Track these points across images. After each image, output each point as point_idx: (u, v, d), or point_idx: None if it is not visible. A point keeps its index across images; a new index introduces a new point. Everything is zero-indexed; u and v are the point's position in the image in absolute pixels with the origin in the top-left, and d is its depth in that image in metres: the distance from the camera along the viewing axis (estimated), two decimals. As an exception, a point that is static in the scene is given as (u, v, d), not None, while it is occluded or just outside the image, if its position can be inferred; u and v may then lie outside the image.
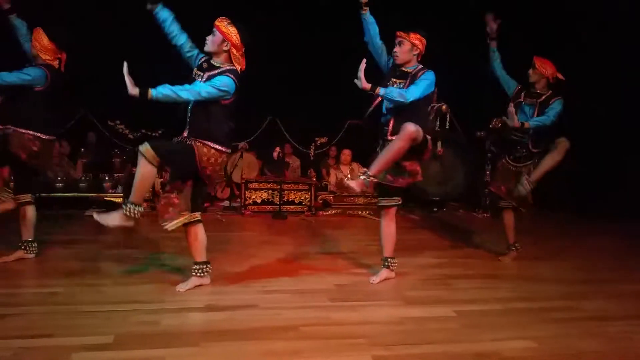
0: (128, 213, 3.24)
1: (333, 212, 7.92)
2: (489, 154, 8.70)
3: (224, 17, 3.49)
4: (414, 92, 3.67)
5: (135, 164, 8.13)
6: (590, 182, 7.81)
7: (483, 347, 2.74)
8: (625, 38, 7.22)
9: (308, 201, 7.88)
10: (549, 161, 4.56)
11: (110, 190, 7.39)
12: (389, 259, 4.03)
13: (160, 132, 9.54)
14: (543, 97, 4.60)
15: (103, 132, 9.23)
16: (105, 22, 7.95)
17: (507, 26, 4.83)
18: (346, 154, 8.57)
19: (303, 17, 8.96)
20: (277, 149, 8.86)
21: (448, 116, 8.43)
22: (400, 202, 4.08)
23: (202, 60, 3.59)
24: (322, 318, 3.10)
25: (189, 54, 3.63)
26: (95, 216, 3.31)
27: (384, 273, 4.01)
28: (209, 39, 3.48)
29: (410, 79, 3.84)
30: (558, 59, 4.70)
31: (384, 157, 3.62)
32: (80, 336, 2.67)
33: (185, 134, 3.51)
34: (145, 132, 9.45)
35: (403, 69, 3.91)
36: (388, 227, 4.03)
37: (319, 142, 10.25)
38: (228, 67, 3.49)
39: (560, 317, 3.25)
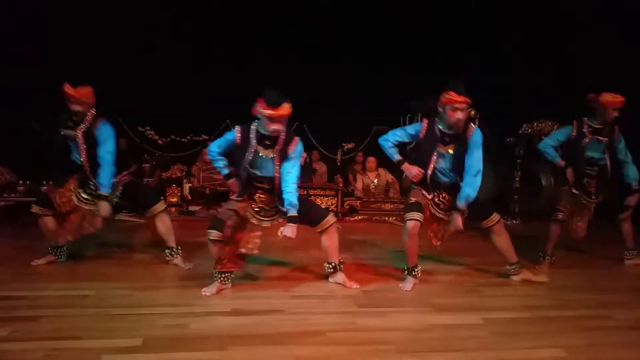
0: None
1: (360, 217, 7.90)
2: (519, 160, 8.59)
3: (283, 105, 3.51)
4: (479, 166, 3.80)
5: (164, 169, 8.28)
6: (625, 187, 7.62)
7: (512, 356, 2.69)
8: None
9: (335, 207, 7.88)
10: None
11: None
12: (414, 268, 4.02)
13: (188, 137, 9.70)
14: (607, 131, 4.65)
15: (133, 138, 9.41)
16: (134, 31, 8.11)
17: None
18: (371, 161, 8.55)
19: (329, 24, 9.01)
20: (304, 154, 8.89)
21: (477, 121, 8.33)
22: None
23: (255, 135, 3.67)
24: (348, 324, 3.09)
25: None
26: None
27: (411, 280, 3.99)
28: (278, 128, 3.57)
29: (462, 142, 3.83)
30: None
31: (509, 248, 4.18)
32: (109, 339, 2.71)
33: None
34: (174, 138, 9.61)
35: (452, 132, 3.84)
36: (413, 242, 3.96)
37: (345, 147, 10.26)
38: (288, 132, 3.75)
39: (592, 326, 3.18)
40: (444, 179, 3.98)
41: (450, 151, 3.87)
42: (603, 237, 5.32)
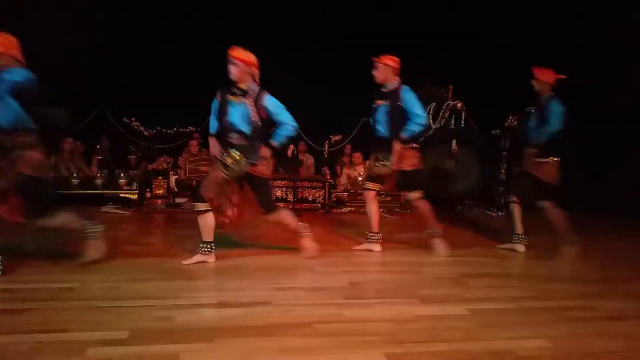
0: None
1: (347, 209, 7.91)
2: (504, 152, 8.65)
3: (235, 47, 3.97)
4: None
5: (150, 161, 8.20)
6: (607, 179, 7.73)
7: (497, 346, 2.72)
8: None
9: (322, 199, 7.88)
10: None
11: (125, 187, 7.44)
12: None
13: (174, 129, 9.62)
14: (542, 102, 4.85)
15: (118, 129, 9.33)
16: (121, 21, 8.02)
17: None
18: (356, 156, 8.61)
19: (318, 14, 8.98)
20: (291, 146, 8.89)
21: (463, 114, 8.38)
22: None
23: (223, 91, 4.09)
24: (335, 315, 3.10)
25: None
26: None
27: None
28: (233, 69, 3.97)
29: (392, 97, 4.56)
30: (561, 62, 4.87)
31: (430, 216, 4.89)
32: (95, 331, 2.69)
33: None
34: (160, 130, 9.53)
35: (383, 89, 4.66)
36: (373, 205, 4.98)
37: (333, 139, 10.25)
38: (259, 90, 4.07)
39: (575, 317, 3.22)
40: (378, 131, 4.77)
41: (382, 104, 4.66)
42: (587, 228, 5.41)
